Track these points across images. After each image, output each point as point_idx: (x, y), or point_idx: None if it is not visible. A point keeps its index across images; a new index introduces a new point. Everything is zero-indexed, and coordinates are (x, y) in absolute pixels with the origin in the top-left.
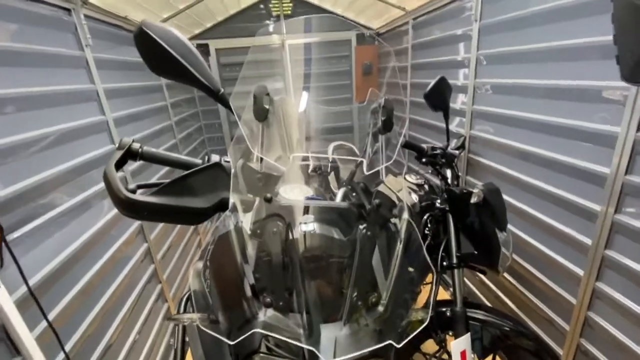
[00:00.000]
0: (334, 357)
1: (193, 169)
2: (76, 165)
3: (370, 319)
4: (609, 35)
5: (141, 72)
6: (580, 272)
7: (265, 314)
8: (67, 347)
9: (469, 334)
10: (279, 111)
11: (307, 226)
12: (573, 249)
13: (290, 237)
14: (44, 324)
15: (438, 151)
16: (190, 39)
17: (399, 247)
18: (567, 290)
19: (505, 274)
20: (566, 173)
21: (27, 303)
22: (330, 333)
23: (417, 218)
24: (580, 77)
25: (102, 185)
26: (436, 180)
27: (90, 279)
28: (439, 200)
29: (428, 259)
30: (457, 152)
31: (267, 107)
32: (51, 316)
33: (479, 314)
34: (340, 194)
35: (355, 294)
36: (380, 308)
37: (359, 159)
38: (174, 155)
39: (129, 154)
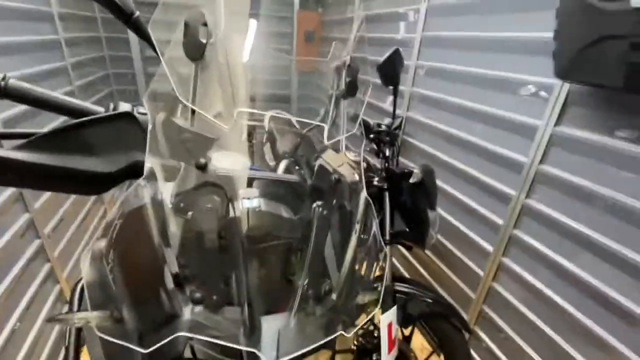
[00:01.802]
0: (278, 356)
1: (93, 117)
2: None
3: (321, 309)
4: (546, 32)
5: None
6: (490, 248)
7: (192, 311)
8: None
9: (395, 307)
10: (221, 49)
11: (251, 202)
12: (487, 228)
13: (230, 214)
14: None
15: (383, 128)
16: None
17: (357, 228)
18: (477, 264)
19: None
20: (490, 159)
21: None
22: (274, 327)
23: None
24: (514, 69)
25: None
26: (373, 159)
27: None
28: (376, 178)
29: (381, 241)
30: (396, 131)
31: (203, 41)
32: None
33: (405, 287)
34: (281, 167)
35: (307, 281)
36: (334, 296)
37: (320, 123)
38: (59, 95)
39: None
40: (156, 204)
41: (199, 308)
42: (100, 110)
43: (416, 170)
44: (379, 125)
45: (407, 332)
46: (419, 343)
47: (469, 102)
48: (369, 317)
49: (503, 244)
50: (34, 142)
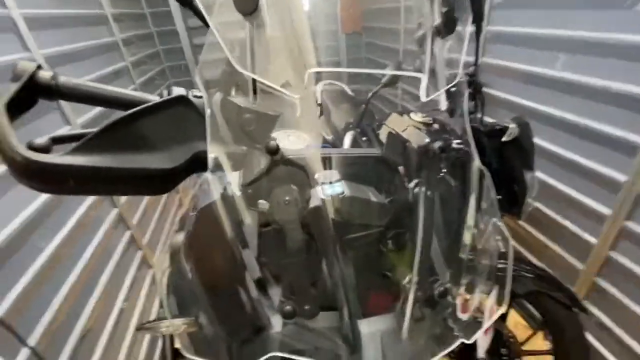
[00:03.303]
0: None
1: (145, 106)
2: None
3: (431, 312)
4: None
5: None
6: (607, 211)
7: (282, 323)
8: (33, 339)
9: (497, 287)
10: None
11: (333, 187)
12: (601, 187)
13: (312, 204)
14: None
15: (465, 78)
16: None
17: (471, 206)
18: (588, 231)
19: None
20: (603, 101)
21: None
22: (375, 333)
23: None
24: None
25: None
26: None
27: (49, 258)
28: (457, 140)
29: (503, 226)
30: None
31: None
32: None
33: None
34: (347, 140)
35: (417, 279)
36: (450, 298)
37: (414, 74)
38: (112, 89)
39: (34, 89)
40: (227, 201)
41: (290, 322)
42: (153, 98)
43: (512, 125)
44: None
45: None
46: (513, 320)
47: (566, 31)
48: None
49: (626, 205)
50: (86, 143)
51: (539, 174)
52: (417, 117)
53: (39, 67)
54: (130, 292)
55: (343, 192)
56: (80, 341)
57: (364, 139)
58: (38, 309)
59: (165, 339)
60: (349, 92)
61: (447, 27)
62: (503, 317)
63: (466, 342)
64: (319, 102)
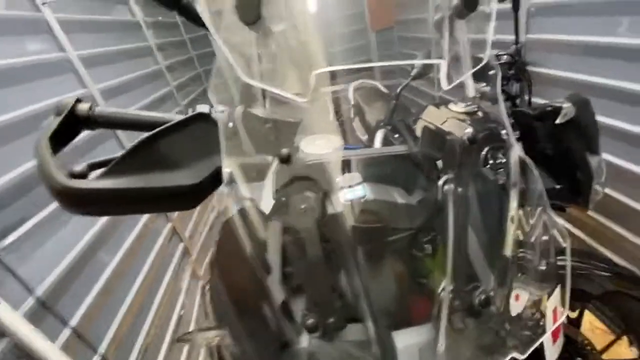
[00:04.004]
0: None
1: (165, 126)
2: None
3: (474, 322)
4: None
5: (121, 32)
6: None
7: (308, 339)
8: (102, 348)
9: (559, 287)
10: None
11: (354, 191)
12: None
13: (330, 211)
14: (67, 331)
15: (505, 59)
16: None
17: (513, 203)
18: None
19: None
20: None
21: (42, 313)
22: (411, 346)
23: (475, 154)
24: None
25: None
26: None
27: (113, 271)
28: (502, 129)
29: (554, 216)
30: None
31: None
32: (75, 320)
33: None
34: (378, 137)
35: (452, 287)
36: (493, 308)
37: (436, 61)
38: (143, 113)
39: (75, 121)
40: (243, 215)
41: (315, 335)
42: (180, 119)
43: (566, 105)
44: (497, 57)
45: (573, 314)
46: (589, 324)
47: None
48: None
49: None
50: (113, 167)
51: (606, 156)
52: (458, 107)
53: (78, 100)
54: (185, 301)
55: (365, 196)
56: (144, 349)
57: (396, 135)
58: (106, 319)
59: (213, 352)
60: (382, 89)
61: (468, 6)
62: (576, 322)
63: (520, 357)
64: (352, 102)
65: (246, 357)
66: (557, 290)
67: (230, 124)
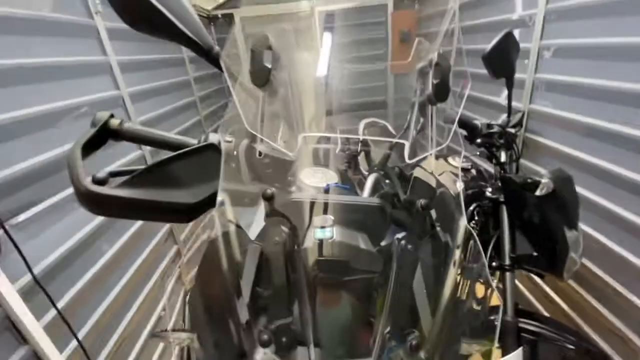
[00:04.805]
0: None
1: (180, 152)
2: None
3: None
4: None
5: (159, 43)
6: None
7: (262, 353)
8: (81, 334)
9: (521, 349)
10: (284, 73)
11: (324, 232)
12: None
13: (298, 245)
14: (53, 312)
15: (496, 129)
16: (214, 9)
17: (452, 268)
18: None
19: None
20: None
21: (33, 291)
22: None
23: (428, 219)
24: None
25: (115, 164)
26: (485, 164)
27: (107, 261)
28: (490, 189)
29: (490, 281)
30: (514, 130)
31: (268, 65)
32: (61, 303)
33: (533, 325)
34: (370, 181)
35: (388, 329)
36: (422, 355)
37: (396, 140)
38: (164, 133)
39: (106, 133)
40: (226, 237)
41: (268, 350)
42: (193, 143)
43: (545, 180)
44: (489, 126)
45: None
46: None
47: (618, 82)
48: None
49: None
50: (133, 179)
51: (588, 230)
52: (455, 162)
53: (112, 115)
54: (167, 303)
55: (333, 237)
56: (120, 342)
57: (387, 181)
58: (91, 307)
59: (183, 353)
60: (391, 129)
61: (438, 96)
62: None
63: None
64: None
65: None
66: (519, 352)
67: (235, 152)
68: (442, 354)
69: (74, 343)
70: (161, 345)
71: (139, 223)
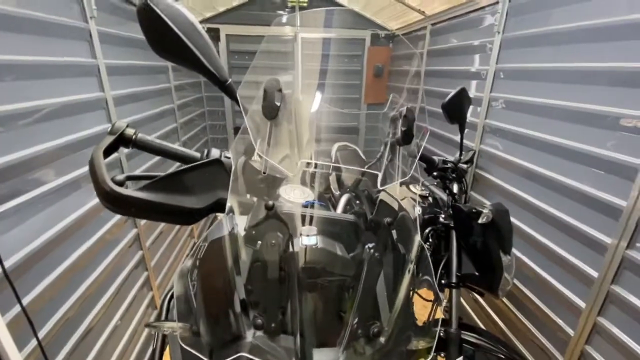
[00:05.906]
0: None
1: (191, 165)
2: (69, 143)
3: (370, 350)
4: (633, 61)
5: (146, 50)
6: (582, 304)
7: (254, 335)
8: (42, 333)
9: (461, 357)
10: (290, 110)
11: (309, 239)
12: (577, 280)
13: (290, 249)
14: (17, 308)
15: (449, 165)
16: (201, 22)
17: (407, 275)
18: (566, 322)
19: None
20: (578, 200)
21: (1, 286)
22: None
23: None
24: (602, 102)
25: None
26: (440, 193)
27: (75, 261)
28: (442, 215)
29: (437, 289)
30: (465, 166)
31: (278, 104)
32: (26, 300)
33: (473, 337)
34: (342, 201)
35: (356, 320)
36: (382, 340)
37: (370, 171)
38: (170, 145)
39: (121, 140)
40: (233, 238)
41: (259, 332)
42: (196, 155)
43: (486, 210)
44: (444, 161)
45: None
46: None
47: (548, 135)
48: None
49: (599, 300)
50: (151, 185)
51: (520, 255)
52: (416, 189)
53: (128, 125)
54: (128, 309)
55: (316, 244)
56: (78, 343)
57: (357, 202)
58: (53, 307)
59: (156, 344)
60: (361, 155)
61: (405, 140)
62: None
63: None
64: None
65: (199, 345)
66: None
67: (233, 170)
68: (395, 339)
69: (33, 341)
70: (122, 343)
71: (108, 226)
